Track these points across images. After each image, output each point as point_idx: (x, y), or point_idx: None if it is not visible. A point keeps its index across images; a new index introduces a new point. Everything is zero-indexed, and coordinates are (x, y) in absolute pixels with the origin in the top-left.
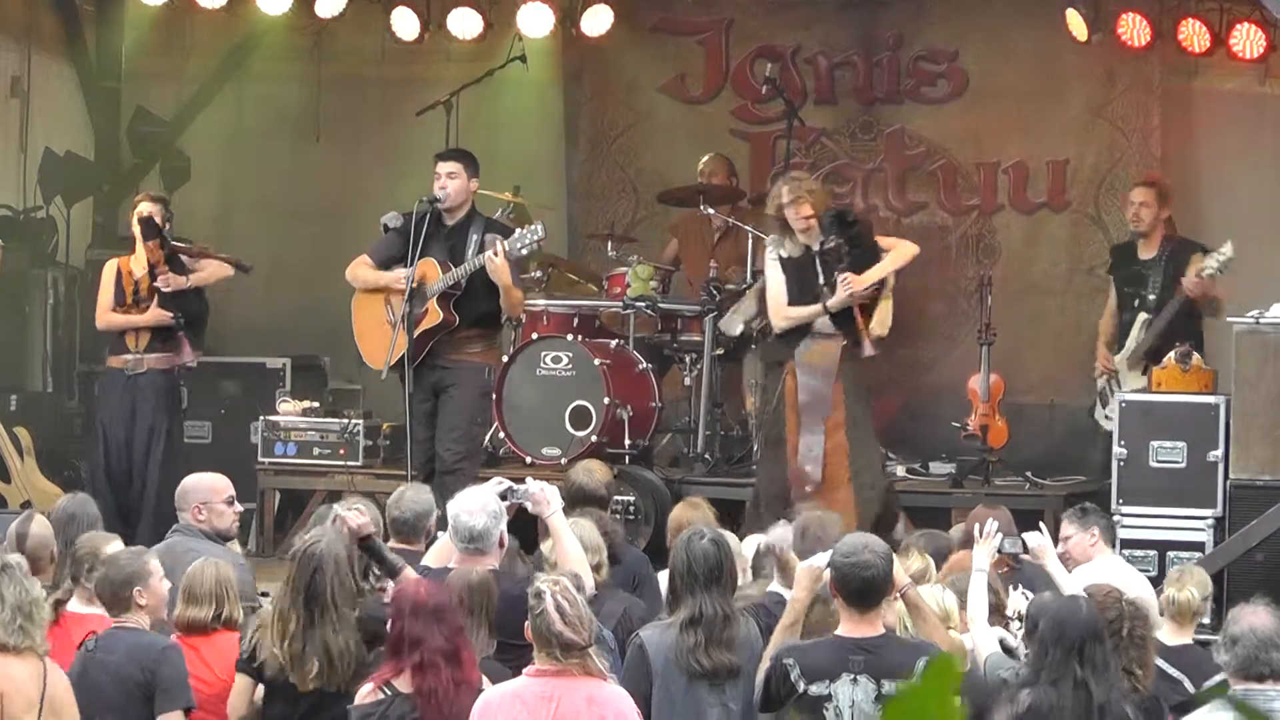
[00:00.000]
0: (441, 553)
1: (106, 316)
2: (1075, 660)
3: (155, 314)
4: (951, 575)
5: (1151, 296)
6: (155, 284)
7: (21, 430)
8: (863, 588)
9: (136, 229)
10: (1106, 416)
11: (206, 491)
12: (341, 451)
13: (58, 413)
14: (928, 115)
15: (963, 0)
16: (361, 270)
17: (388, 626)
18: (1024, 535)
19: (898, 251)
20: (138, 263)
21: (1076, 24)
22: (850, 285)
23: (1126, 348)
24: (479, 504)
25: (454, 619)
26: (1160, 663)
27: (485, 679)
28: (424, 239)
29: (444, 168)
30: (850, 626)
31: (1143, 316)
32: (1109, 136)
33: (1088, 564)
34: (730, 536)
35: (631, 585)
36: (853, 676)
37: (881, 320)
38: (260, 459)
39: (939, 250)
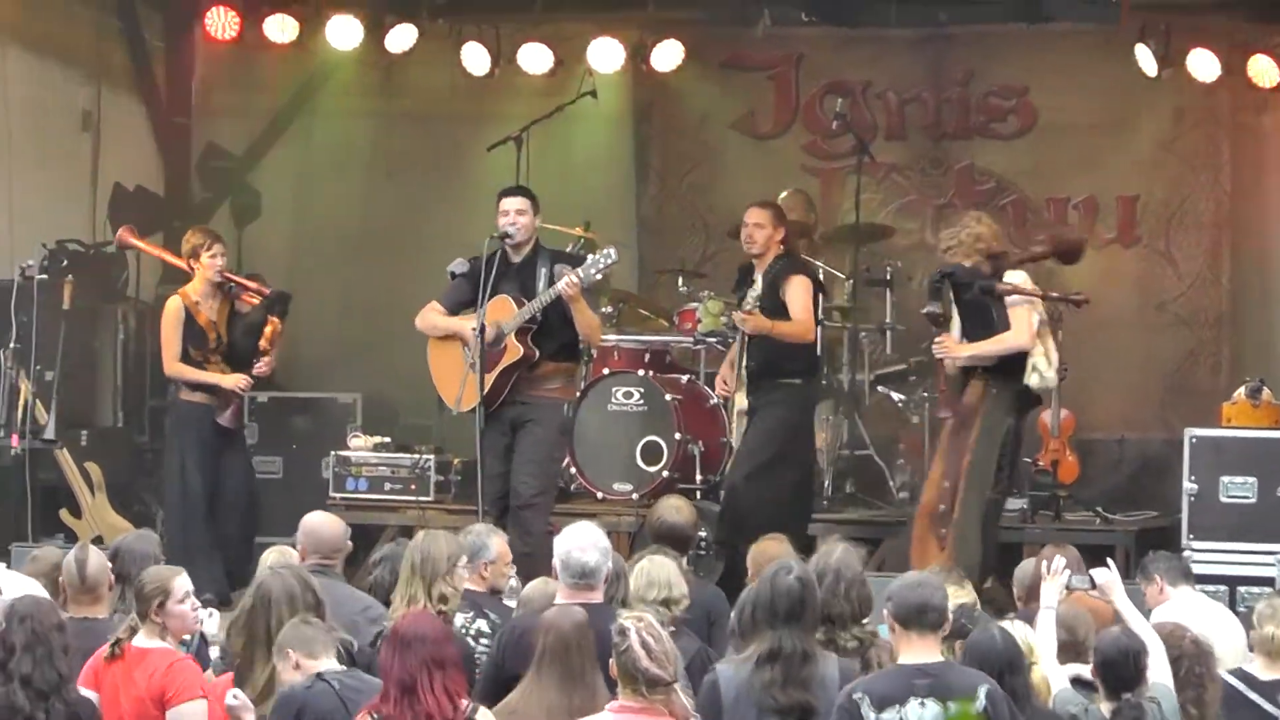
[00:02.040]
0: (540, 588)
1: (177, 366)
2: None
3: (238, 381)
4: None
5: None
6: (256, 366)
7: (92, 465)
8: (923, 609)
9: (204, 273)
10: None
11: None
12: (413, 487)
13: (128, 448)
14: (997, 150)
15: (1032, 36)
16: (432, 316)
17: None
18: (1091, 571)
19: (999, 341)
20: (209, 307)
21: (1146, 59)
22: (942, 351)
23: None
24: (590, 540)
25: (423, 651)
26: (1254, 697)
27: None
28: (494, 278)
29: (512, 203)
30: (910, 654)
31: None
32: (1178, 172)
33: (1164, 605)
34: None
35: (707, 622)
36: (920, 700)
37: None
38: (331, 494)
39: None
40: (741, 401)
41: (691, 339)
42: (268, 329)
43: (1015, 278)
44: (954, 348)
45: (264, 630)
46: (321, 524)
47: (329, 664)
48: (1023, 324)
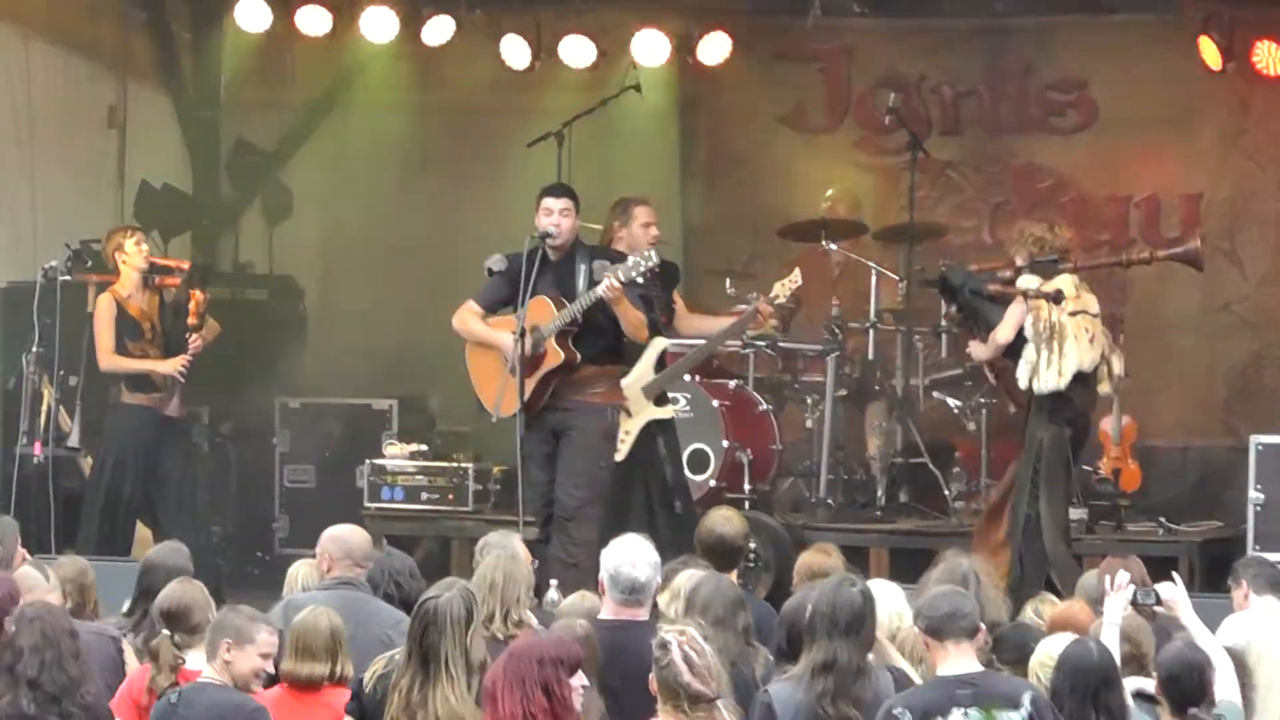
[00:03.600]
0: (576, 604)
1: (112, 358)
2: (1090, 707)
3: (176, 363)
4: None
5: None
6: (190, 342)
7: None
8: (953, 616)
9: (132, 262)
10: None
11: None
12: (450, 497)
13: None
14: (1057, 147)
15: (1092, 27)
16: (471, 322)
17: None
18: (1157, 586)
19: (990, 339)
20: (140, 298)
21: (1210, 52)
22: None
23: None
24: (641, 555)
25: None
26: None
27: None
28: (533, 278)
29: (556, 203)
30: (948, 665)
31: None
32: (1243, 168)
33: (1241, 613)
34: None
35: (757, 636)
36: (963, 710)
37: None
38: (366, 504)
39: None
40: None
41: (740, 343)
42: (192, 304)
43: (1029, 282)
44: (973, 348)
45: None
46: (349, 532)
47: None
48: (1005, 321)
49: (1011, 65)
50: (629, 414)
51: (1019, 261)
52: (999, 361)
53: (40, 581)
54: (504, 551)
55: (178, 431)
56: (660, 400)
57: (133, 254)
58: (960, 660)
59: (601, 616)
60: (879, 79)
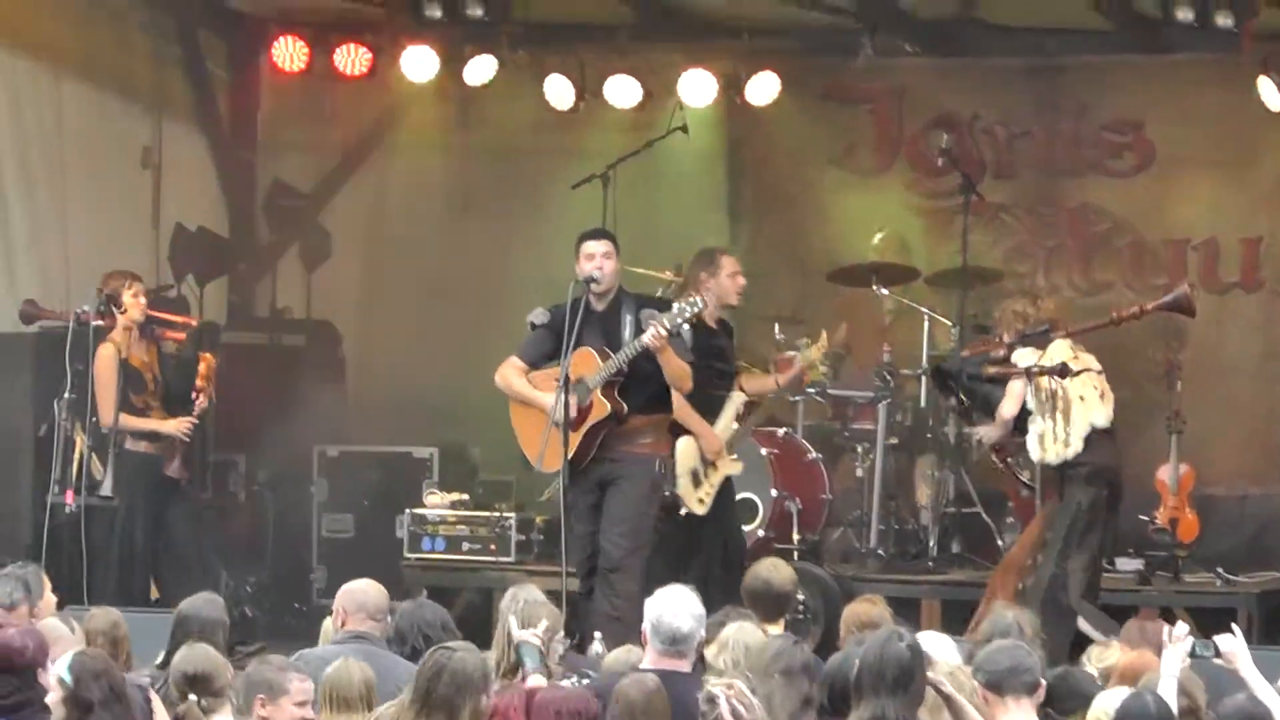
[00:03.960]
0: (620, 657)
1: (125, 418)
2: None
3: (181, 425)
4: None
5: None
6: (196, 404)
7: None
8: (1015, 670)
9: (130, 315)
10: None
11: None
12: (492, 547)
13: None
14: (1112, 188)
15: (1149, 67)
16: (514, 380)
17: None
18: (1216, 638)
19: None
20: (140, 348)
21: (1269, 92)
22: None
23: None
24: (684, 605)
25: None
26: None
27: None
28: (577, 328)
29: (597, 247)
30: None
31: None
32: None
33: None
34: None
35: None
36: None
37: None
38: (406, 554)
39: (1122, 333)
40: None
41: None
42: (202, 366)
43: (1026, 357)
44: (981, 432)
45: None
46: (364, 586)
47: None
48: (1008, 397)
49: (1066, 105)
50: (714, 467)
51: (1008, 338)
52: (1005, 445)
53: (65, 633)
54: (517, 603)
55: (181, 492)
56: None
57: (130, 305)
58: (1020, 716)
59: (643, 667)
60: (931, 120)
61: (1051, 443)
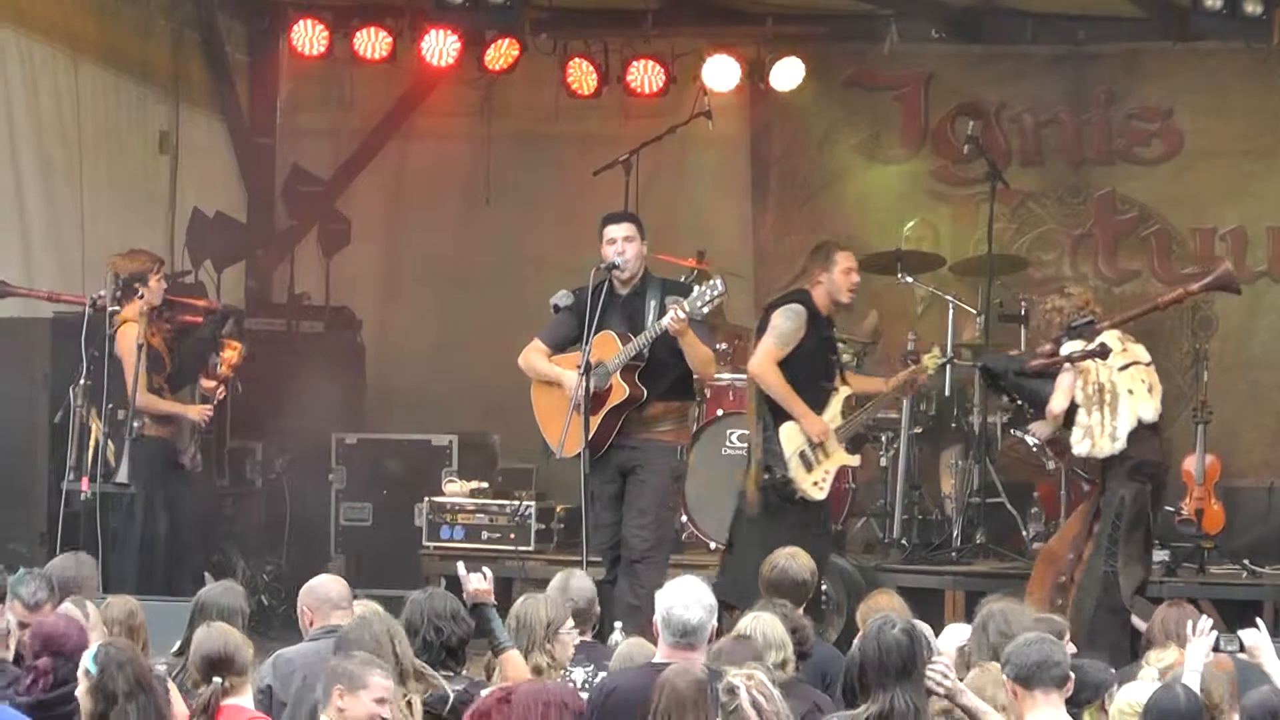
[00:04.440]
0: (633, 650)
1: (148, 398)
2: None
3: (204, 412)
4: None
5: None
6: (216, 394)
7: None
8: (1044, 665)
9: (150, 298)
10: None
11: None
12: (512, 536)
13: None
14: (1140, 177)
15: (1177, 55)
16: (536, 361)
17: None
18: (1240, 633)
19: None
20: (154, 330)
21: None
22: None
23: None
24: (694, 597)
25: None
26: None
27: None
28: (600, 311)
29: (618, 231)
30: (1035, 715)
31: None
32: None
33: None
34: (925, 628)
35: (822, 683)
36: None
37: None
38: (425, 543)
39: (1152, 322)
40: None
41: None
42: (229, 353)
43: (1073, 346)
44: (1034, 428)
45: None
46: (320, 581)
47: None
48: (1057, 391)
49: (1095, 93)
50: (825, 453)
51: (1054, 335)
52: (1059, 440)
53: (80, 620)
54: (521, 599)
55: (193, 481)
56: (852, 447)
57: (154, 291)
58: (1048, 711)
59: (655, 660)
60: (958, 107)
61: (1099, 436)
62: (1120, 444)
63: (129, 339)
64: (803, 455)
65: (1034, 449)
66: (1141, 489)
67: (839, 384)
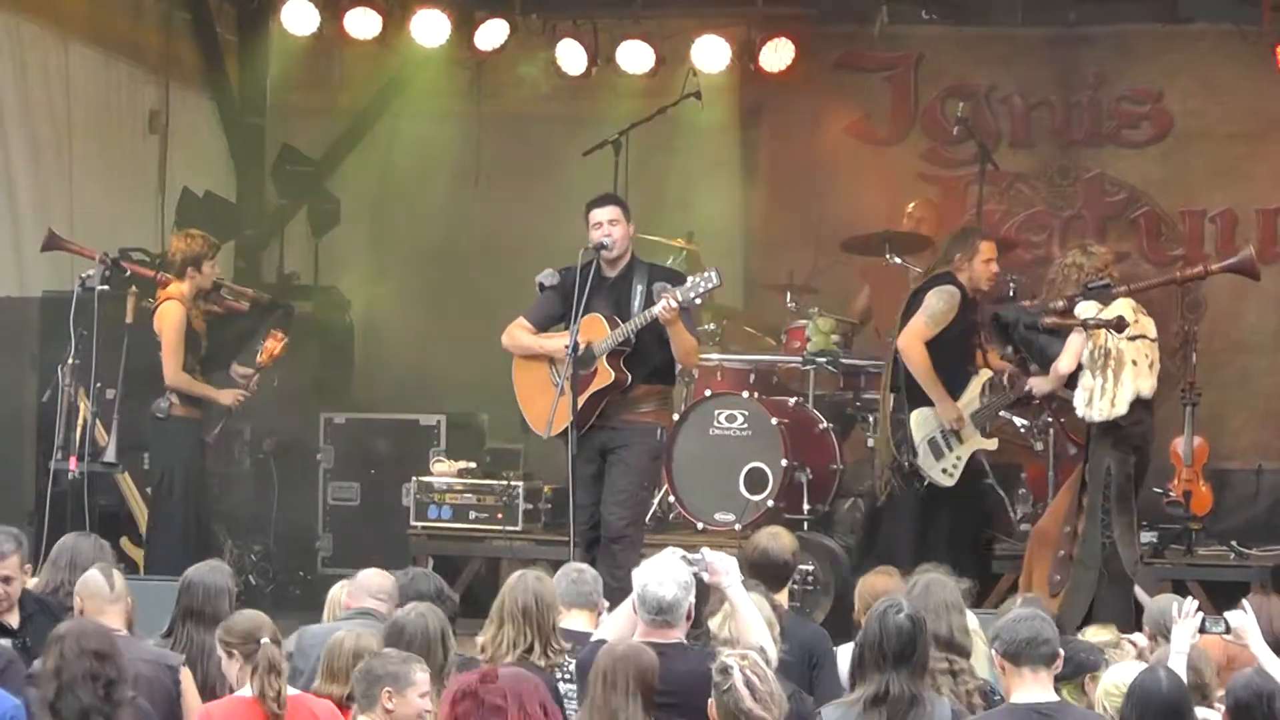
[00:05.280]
0: (618, 624)
1: (184, 378)
2: None
3: (236, 397)
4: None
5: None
6: (251, 380)
7: None
8: (1033, 641)
9: (201, 282)
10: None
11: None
12: (499, 516)
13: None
14: (1129, 159)
15: (1167, 37)
16: (520, 335)
17: None
18: (1226, 614)
19: (1052, 371)
20: (197, 313)
21: None
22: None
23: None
24: (669, 574)
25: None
26: None
27: None
28: (586, 293)
29: (604, 213)
30: (1023, 693)
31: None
32: None
33: None
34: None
35: (809, 664)
36: None
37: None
38: (412, 523)
39: (1143, 302)
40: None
41: (800, 359)
42: (271, 343)
43: (1088, 309)
44: (1034, 383)
45: None
46: (370, 574)
47: None
48: (1066, 351)
49: (1085, 75)
50: (959, 439)
51: (1069, 293)
52: (1059, 397)
53: (103, 590)
54: (528, 575)
55: (214, 456)
56: (986, 431)
57: (206, 275)
58: (1036, 689)
59: (635, 640)
60: (947, 88)
61: (1098, 399)
62: (1120, 410)
63: (171, 317)
64: (932, 442)
65: (1022, 430)
66: (1125, 459)
67: (979, 366)
